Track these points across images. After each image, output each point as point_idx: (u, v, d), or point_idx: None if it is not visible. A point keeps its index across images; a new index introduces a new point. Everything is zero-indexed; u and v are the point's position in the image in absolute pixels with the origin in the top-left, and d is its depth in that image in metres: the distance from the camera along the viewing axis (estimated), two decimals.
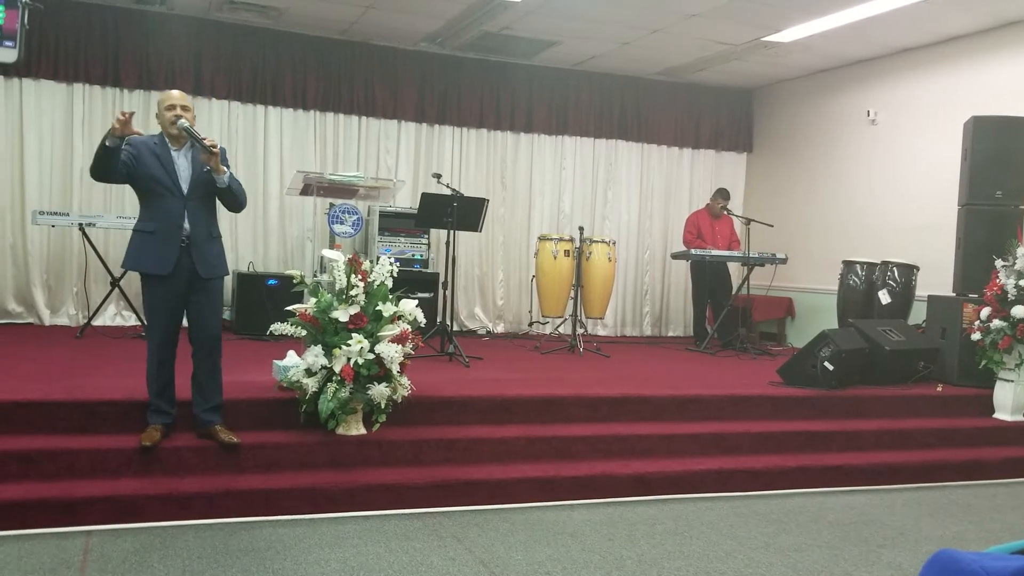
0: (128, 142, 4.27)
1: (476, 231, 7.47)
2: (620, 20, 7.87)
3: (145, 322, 4.62)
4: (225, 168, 4.33)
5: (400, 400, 4.68)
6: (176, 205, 4.28)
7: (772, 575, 3.75)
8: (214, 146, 4.23)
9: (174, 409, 4.40)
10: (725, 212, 9.02)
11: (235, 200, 4.48)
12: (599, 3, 7.40)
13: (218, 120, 8.52)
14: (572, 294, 8.10)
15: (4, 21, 5.64)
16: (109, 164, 4.16)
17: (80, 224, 7.35)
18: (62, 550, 3.59)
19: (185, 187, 4.31)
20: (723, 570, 3.77)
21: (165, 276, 4.25)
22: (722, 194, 9.09)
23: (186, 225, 4.28)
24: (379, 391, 4.52)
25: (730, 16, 7.57)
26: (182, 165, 4.33)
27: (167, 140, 4.35)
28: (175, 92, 4.42)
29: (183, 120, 4.27)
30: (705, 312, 9.14)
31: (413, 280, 7.71)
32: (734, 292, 8.76)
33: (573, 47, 8.88)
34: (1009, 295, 6.17)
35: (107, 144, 4.09)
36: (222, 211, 4.53)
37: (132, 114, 4.12)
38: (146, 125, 8.28)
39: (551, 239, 8.20)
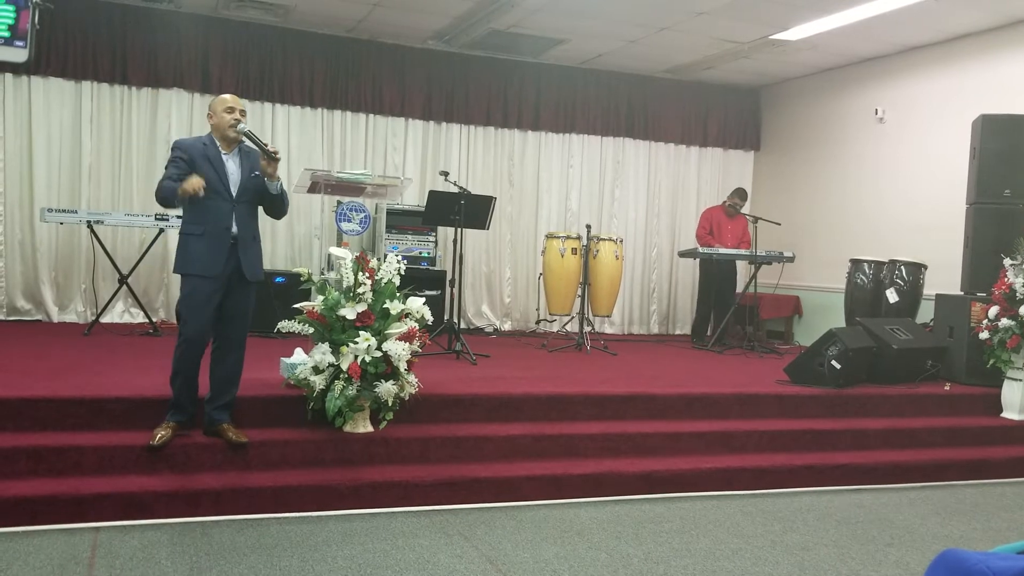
0: (178, 147, 4.34)
1: (483, 229, 7.47)
2: (628, 18, 7.86)
3: (177, 319, 4.64)
4: (279, 175, 4.39)
5: (407, 398, 4.69)
6: (225, 208, 4.32)
7: (779, 574, 3.75)
8: (276, 152, 4.30)
9: (194, 407, 4.42)
10: (739, 213, 9.00)
11: (282, 207, 4.56)
12: (607, 1, 7.39)
13: None
14: (579, 292, 8.11)
15: (15, 21, 5.66)
16: (175, 205, 4.29)
17: (88, 221, 7.37)
18: (70, 546, 3.61)
19: (235, 190, 4.35)
20: (730, 568, 3.77)
21: (210, 276, 4.28)
22: (739, 194, 9.08)
23: (234, 228, 4.33)
24: (386, 389, 4.52)
25: (738, 14, 7.55)
26: (231, 168, 4.37)
27: (217, 142, 4.37)
28: (229, 96, 4.45)
29: (244, 124, 4.33)
30: (710, 310, 9.13)
31: (420, 278, 7.70)
32: (741, 291, 8.73)
33: (581, 45, 8.88)
34: (1017, 294, 6.14)
35: (178, 199, 4.20)
36: None
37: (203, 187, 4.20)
38: (152, 123, 8.36)
39: (558, 237, 8.21)
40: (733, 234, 9.00)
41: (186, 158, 4.29)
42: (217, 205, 4.30)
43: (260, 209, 4.59)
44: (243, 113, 4.38)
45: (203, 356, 4.39)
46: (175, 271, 4.42)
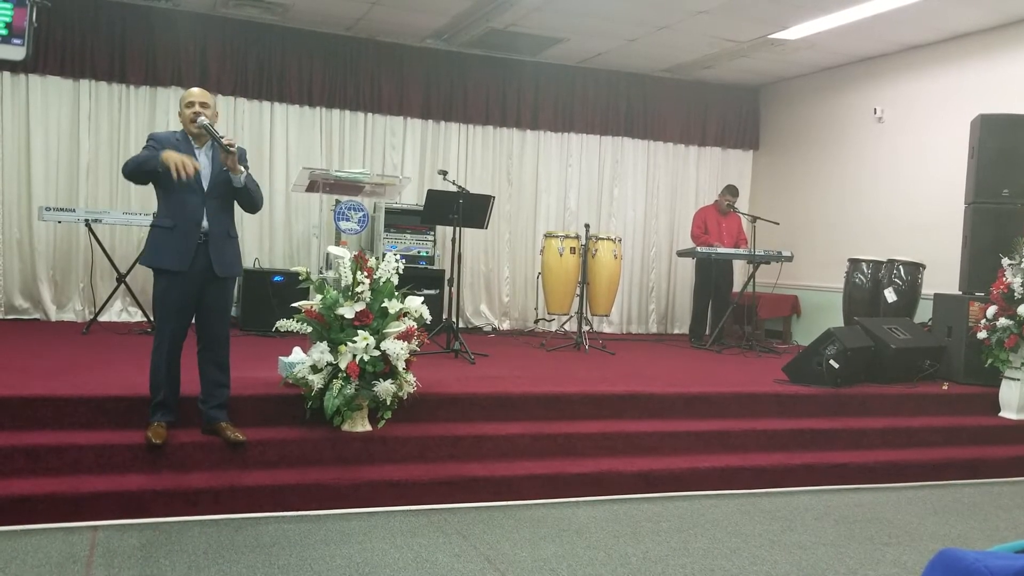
0: (152, 138, 4.34)
1: (482, 228, 7.47)
2: (627, 17, 7.86)
3: (153, 318, 4.61)
4: (242, 168, 4.34)
5: (405, 397, 4.69)
6: (196, 202, 4.30)
7: (777, 573, 3.75)
8: (231, 145, 4.25)
9: (177, 406, 4.42)
10: (732, 210, 9.01)
11: (251, 200, 4.50)
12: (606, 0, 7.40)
13: (224, 116, 8.49)
14: (578, 291, 8.11)
15: (12, 19, 5.66)
16: (148, 176, 4.26)
17: (86, 220, 7.37)
18: (69, 545, 3.61)
19: (206, 184, 4.33)
20: (728, 567, 3.77)
21: (180, 273, 4.26)
22: (730, 191, 9.09)
23: (205, 223, 4.30)
24: (384, 388, 4.52)
25: (737, 13, 7.55)
26: (203, 163, 4.34)
27: (189, 137, 4.37)
28: (195, 90, 4.43)
29: (203, 118, 4.30)
30: (706, 309, 9.13)
31: (419, 277, 7.70)
32: (739, 290, 8.73)
33: (579, 44, 8.87)
34: (1015, 293, 6.15)
35: (153, 166, 4.18)
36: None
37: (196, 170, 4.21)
38: (150, 122, 8.35)
39: (557, 236, 8.21)
40: (729, 232, 9.00)
41: (157, 148, 4.27)
42: (188, 199, 4.28)
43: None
44: (204, 106, 4.34)
45: (181, 355, 4.38)
46: (142, 263, 4.38)
